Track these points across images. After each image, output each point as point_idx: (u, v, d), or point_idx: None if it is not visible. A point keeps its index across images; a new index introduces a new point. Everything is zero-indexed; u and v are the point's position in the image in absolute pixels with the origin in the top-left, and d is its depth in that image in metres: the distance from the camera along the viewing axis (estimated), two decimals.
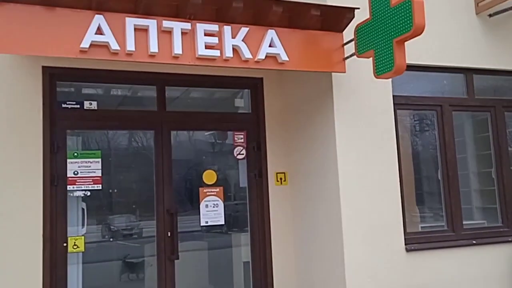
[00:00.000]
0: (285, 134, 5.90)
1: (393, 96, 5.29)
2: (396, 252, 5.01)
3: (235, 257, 6.15)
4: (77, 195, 5.18)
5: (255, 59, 4.46)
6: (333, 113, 4.99)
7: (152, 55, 4.20)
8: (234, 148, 5.84)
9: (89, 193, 5.21)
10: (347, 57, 4.81)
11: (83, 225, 5.33)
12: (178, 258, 5.30)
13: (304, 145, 5.55)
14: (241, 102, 6.21)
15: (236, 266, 6.15)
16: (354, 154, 4.98)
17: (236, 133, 5.87)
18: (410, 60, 4.55)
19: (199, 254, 7.07)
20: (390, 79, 5.15)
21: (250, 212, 5.77)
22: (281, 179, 5.80)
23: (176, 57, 4.27)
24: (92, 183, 5.14)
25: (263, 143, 5.81)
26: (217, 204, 5.60)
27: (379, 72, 4.43)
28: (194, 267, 6.57)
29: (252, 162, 5.83)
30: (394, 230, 5.04)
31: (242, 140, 5.85)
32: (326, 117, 5.10)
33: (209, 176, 5.69)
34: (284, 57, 4.54)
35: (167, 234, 5.33)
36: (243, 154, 5.83)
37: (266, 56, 4.50)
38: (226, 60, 4.40)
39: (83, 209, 5.33)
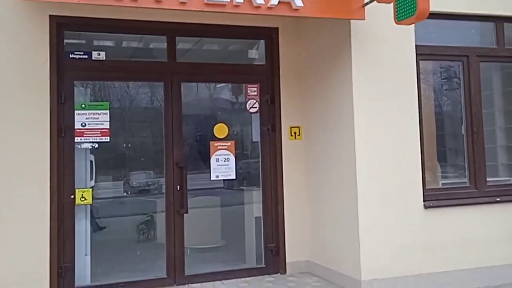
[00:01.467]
0: (300, 87, 5.75)
1: (416, 46, 5.05)
2: (413, 209, 4.90)
3: (246, 213, 6.12)
4: (84, 147, 5.17)
5: (267, 5, 4.28)
6: (350, 65, 4.80)
7: (158, 1, 4.06)
8: (247, 101, 5.73)
9: (97, 146, 5.19)
10: (367, 3, 4.58)
11: (91, 177, 5.35)
12: (187, 212, 5.29)
13: (320, 99, 5.40)
14: (256, 54, 6.06)
15: (248, 222, 6.14)
16: (372, 108, 4.81)
17: (249, 85, 5.73)
18: (435, 7, 4.30)
19: (210, 210, 7.10)
20: (413, 28, 4.92)
21: (263, 167, 5.70)
22: (295, 133, 5.69)
23: (183, 2, 4.12)
24: (100, 135, 5.12)
25: (277, 96, 5.68)
26: (228, 158, 5.54)
27: (400, 17, 4.21)
28: (205, 223, 6.60)
29: (265, 116, 5.72)
30: (413, 186, 4.91)
31: (256, 93, 5.72)
32: (343, 69, 4.92)
33: (220, 130, 5.61)
34: (298, 2, 4.35)
35: (176, 187, 5.31)
36: (256, 107, 5.72)
37: (279, 2, 4.31)
38: (236, 6, 4.23)
39: (91, 161, 5.34)
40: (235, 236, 6.52)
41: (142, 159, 5.74)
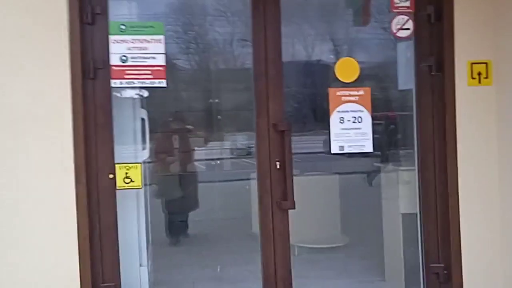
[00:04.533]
0: None
1: None
2: None
3: (387, 206, 4.14)
4: (128, 95, 3.38)
5: None
6: None
7: None
8: (393, 18, 3.53)
9: (147, 94, 3.39)
10: None
11: (143, 145, 3.58)
12: (293, 207, 3.33)
13: None
14: None
15: (389, 221, 4.13)
16: None
17: None
18: None
19: (328, 197, 5.25)
20: None
21: (420, 133, 3.53)
22: (479, 74, 3.42)
23: None
24: (151, 76, 3.28)
25: (448, 8, 3.42)
26: (360, 117, 3.45)
27: None
28: (319, 214, 4.82)
29: (424, 44, 3.49)
30: None
31: (408, 4, 3.51)
32: None
33: (346, 69, 3.50)
34: None
35: (275, 165, 3.37)
36: (408, 29, 3.50)
37: None
38: None
39: (142, 119, 3.56)
40: (367, 233, 4.88)
41: (219, 117, 3.84)
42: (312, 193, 5.15)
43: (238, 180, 5.94)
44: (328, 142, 3.43)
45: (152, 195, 5.73)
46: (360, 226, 5.22)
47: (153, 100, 3.42)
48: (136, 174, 3.27)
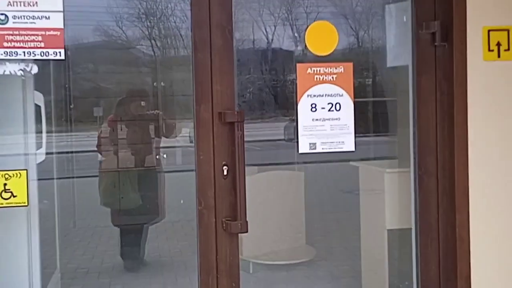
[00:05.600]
0: None
1: None
2: None
3: (367, 217, 3.28)
4: (8, 71, 2.40)
5: None
6: None
7: None
8: None
9: (36, 69, 2.42)
10: None
11: (38, 143, 2.60)
12: (246, 230, 2.40)
13: None
14: None
15: (369, 237, 3.29)
16: None
17: None
18: None
19: (291, 199, 4.39)
20: None
21: (419, 125, 2.66)
22: (498, 45, 2.55)
23: None
24: (43, 43, 2.29)
25: None
26: (338, 103, 2.54)
27: None
28: (278, 221, 4.00)
29: (426, 4, 2.61)
30: None
31: None
32: None
33: (320, 36, 2.58)
34: None
35: (221, 171, 2.44)
36: None
37: None
38: None
39: (37, 106, 2.58)
40: (338, 244, 4.27)
41: (143, 103, 2.92)
42: (270, 194, 4.28)
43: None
44: (290, 129, 2.51)
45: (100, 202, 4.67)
46: (329, 235, 4.37)
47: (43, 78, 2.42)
48: (20, 186, 2.29)
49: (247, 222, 2.37)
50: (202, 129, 2.45)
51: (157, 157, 4.79)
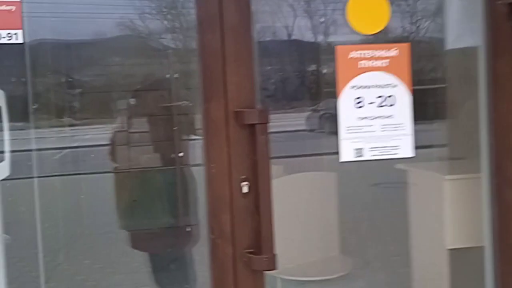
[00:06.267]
0: None
1: None
2: None
3: (420, 234, 2.69)
4: None
5: None
6: None
7: None
8: None
9: None
10: None
11: None
12: (274, 267, 1.83)
13: None
14: None
15: (422, 253, 2.70)
16: None
17: None
18: None
19: (323, 203, 3.81)
20: None
21: (495, 121, 2.06)
22: None
23: None
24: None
25: None
26: (392, 97, 1.94)
27: None
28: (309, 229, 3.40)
29: None
30: None
31: None
32: None
33: (366, 10, 1.99)
34: None
35: (239, 188, 1.87)
36: None
37: None
38: None
39: None
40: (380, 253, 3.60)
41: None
42: (298, 199, 3.68)
43: None
44: (314, 119, 1.94)
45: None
46: (368, 242, 3.80)
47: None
48: None
49: (275, 255, 1.79)
50: (213, 134, 1.88)
51: (180, 155, 3.47)
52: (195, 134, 3.46)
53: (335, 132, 1.89)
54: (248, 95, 1.88)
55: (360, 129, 1.87)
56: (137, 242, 3.31)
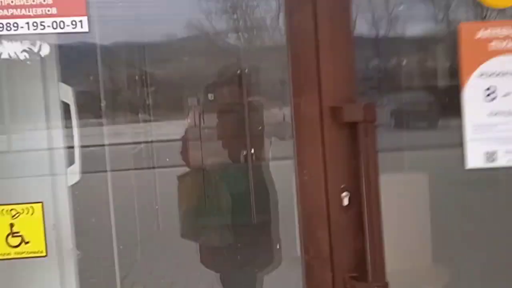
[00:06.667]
0: None
1: None
2: None
3: None
4: (8, 53, 1.62)
5: None
6: None
7: None
8: None
9: (48, 50, 1.62)
10: None
11: (69, 157, 1.83)
12: None
13: None
14: None
15: None
16: None
17: None
18: None
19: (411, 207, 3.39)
20: None
21: None
22: None
23: None
24: (55, 10, 1.49)
25: None
26: None
27: None
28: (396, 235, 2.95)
29: None
30: None
31: None
32: None
33: None
34: None
35: (339, 199, 1.54)
36: None
37: None
38: None
39: (64, 104, 1.78)
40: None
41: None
42: (384, 205, 3.29)
43: None
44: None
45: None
46: (463, 250, 3.38)
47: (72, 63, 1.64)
48: (33, 226, 1.52)
49: (387, 284, 1.45)
50: (304, 134, 1.57)
51: (245, 153, 3.13)
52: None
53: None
54: (348, 87, 1.56)
55: (492, 128, 1.50)
56: (205, 258, 2.95)
